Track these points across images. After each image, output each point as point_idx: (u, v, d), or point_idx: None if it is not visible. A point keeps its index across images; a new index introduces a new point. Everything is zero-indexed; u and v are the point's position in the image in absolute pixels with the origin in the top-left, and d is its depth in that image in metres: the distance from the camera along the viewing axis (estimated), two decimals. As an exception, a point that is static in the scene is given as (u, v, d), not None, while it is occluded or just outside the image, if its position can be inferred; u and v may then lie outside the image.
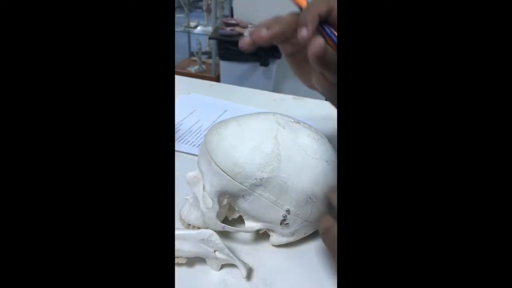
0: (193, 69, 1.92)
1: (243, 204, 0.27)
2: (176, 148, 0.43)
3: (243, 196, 0.26)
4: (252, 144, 0.25)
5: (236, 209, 0.28)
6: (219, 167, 0.25)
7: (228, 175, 0.25)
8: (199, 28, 1.99)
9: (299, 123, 0.29)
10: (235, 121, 0.27)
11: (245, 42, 0.26)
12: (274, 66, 1.50)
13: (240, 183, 0.25)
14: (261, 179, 0.25)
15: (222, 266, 0.27)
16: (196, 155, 0.40)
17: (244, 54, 1.43)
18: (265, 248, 0.30)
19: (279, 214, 0.26)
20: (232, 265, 0.27)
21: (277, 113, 0.29)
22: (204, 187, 0.27)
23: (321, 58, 0.25)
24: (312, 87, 0.32)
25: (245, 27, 1.51)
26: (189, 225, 0.29)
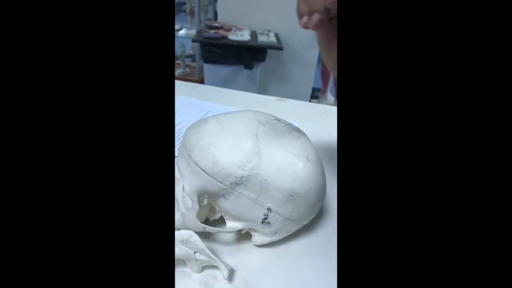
0: (177, 72, 1.90)
1: (224, 204, 0.26)
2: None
3: (223, 195, 0.25)
4: (232, 142, 0.25)
5: (217, 209, 0.27)
6: (198, 166, 0.25)
7: (208, 174, 0.25)
8: (182, 31, 1.98)
9: (279, 120, 0.28)
10: (215, 119, 0.27)
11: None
12: (259, 69, 1.51)
13: (220, 182, 0.25)
14: (241, 177, 0.24)
15: (203, 268, 0.27)
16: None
17: (228, 57, 1.43)
18: (247, 248, 0.29)
19: (260, 213, 0.26)
20: (213, 267, 0.26)
21: (257, 111, 0.29)
22: (183, 188, 0.26)
23: None
24: (335, 66, 0.31)
25: (228, 30, 1.51)
26: (169, 227, 0.28)
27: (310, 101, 1.83)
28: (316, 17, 0.24)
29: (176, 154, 0.33)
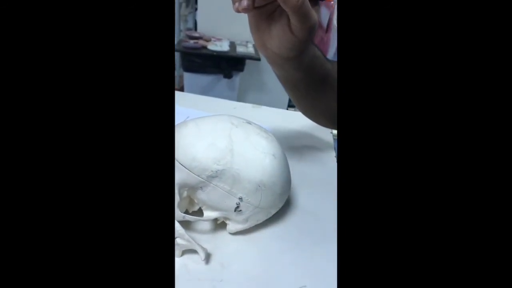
0: (156, 80, 1.91)
1: (201, 195, 0.30)
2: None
3: (201, 187, 0.29)
4: (208, 141, 0.29)
5: (196, 201, 0.31)
6: (178, 162, 0.29)
7: (187, 169, 0.28)
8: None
9: (250, 123, 0.33)
10: (193, 122, 0.31)
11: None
12: (237, 78, 1.56)
13: (198, 176, 0.29)
14: (216, 171, 0.29)
15: (183, 253, 0.30)
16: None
17: (207, 67, 1.47)
18: (222, 236, 0.33)
19: (233, 202, 0.30)
20: (192, 252, 0.30)
21: (231, 115, 0.33)
22: (165, 182, 0.30)
23: (300, 8, 0.28)
24: (262, 46, 0.35)
25: (208, 40, 1.56)
26: (152, 218, 0.32)
27: (287, 109, 1.89)
28: (244, 2, 0.29)
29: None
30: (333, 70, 0.40)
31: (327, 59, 0.40)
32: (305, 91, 0.40)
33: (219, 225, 0.33)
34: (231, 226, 0.32)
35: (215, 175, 0.29)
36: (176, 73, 1.87)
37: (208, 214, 0.31)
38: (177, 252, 0.30)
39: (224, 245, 0.32)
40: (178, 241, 0.29)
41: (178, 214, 0.30)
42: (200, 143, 0.29)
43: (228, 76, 1.49)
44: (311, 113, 0.47)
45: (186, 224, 0.32)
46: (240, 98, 1.63)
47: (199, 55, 1.44)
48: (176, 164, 0.29)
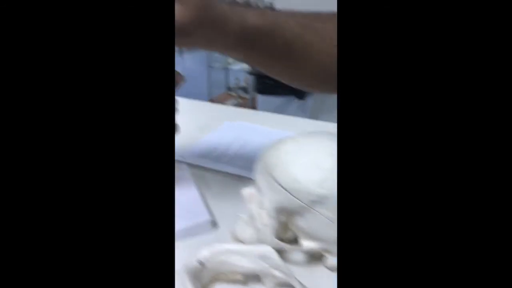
0: (230, 102, 2.01)
1: (300, 222, 0.26)
2: (225, 170, 0.44)
3: (300, 213, 0.26)
4: (310, 160, 0.26)
5: (292, 228, 0.28)
6: (278, 183, 0.26)
7: (287, 191, 0.26)
8: (237, 65, 2.11)
9: (354, 142, 0.29)
10: (292, 139, 0.28)
11: None
12: (310, 99, 1.53)
13: (299, 200, 0.25)
14: (319, 196, 0.25)
15: (276, 287, 0.27)
16: (245, 176, 0.41)
17: (279, 88, 1.48)
18: (320, 271, 0.29)
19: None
20: (287, 287, 0.26)
21: (330, 133, 0.30)
22: (261, 204, 0.28)
23: None
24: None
25: (281, 62, 1.58)
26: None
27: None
28: None
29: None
30: (305, 31, 0.33)
31: (302, 15, 0.33)
32: (267, 69, 0.36)
33: (314, 257, 0.29)
34: (331, 261, 0.28)
35: (318, 200, 0.25)
36: (248, 96, 1.94)
37: (307, 244, 0.27)
38: (271, 284, 0.26)
39: (323, 282, 0.28)
40: (274, 272, 0.26)
41: (273, 241, 0.27)
42: (301, 162, 0.26)
43: (301, 97, 1.47)
44: (287, 81, 0.40)
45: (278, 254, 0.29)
46: (312, 119, 1.60)
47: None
48: (276, 185, 0.26)
